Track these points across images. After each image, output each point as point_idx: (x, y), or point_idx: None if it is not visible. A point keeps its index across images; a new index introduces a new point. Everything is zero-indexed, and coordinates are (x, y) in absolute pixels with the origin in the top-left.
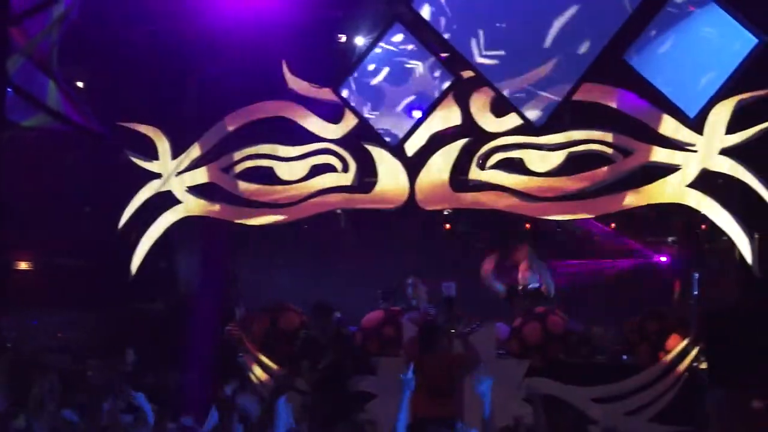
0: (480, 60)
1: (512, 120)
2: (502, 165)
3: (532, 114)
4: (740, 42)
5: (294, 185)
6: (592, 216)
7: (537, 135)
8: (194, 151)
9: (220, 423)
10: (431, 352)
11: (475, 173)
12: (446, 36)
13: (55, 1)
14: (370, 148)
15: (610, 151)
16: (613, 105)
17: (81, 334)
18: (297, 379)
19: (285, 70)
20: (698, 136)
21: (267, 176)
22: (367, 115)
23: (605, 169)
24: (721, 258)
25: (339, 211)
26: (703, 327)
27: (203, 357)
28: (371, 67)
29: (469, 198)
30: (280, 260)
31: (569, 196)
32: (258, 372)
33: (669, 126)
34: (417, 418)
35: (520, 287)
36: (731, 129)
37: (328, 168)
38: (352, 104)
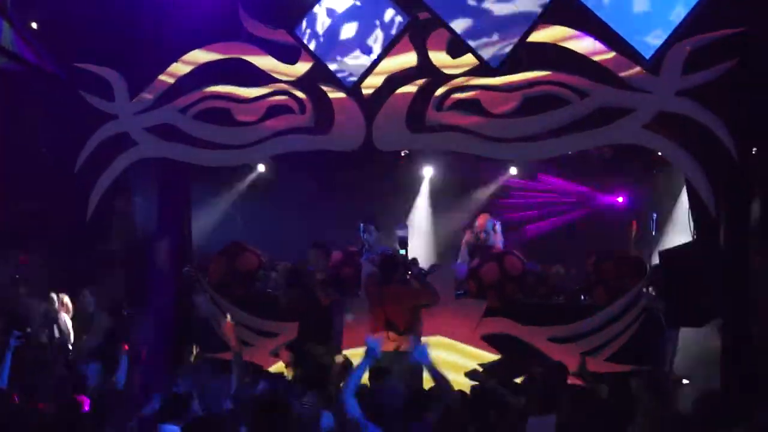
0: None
1: (469, 61)
2: (458, 106)
3: (489, 55)
4: None
5: (251, 127)
6: (549, 157)
7: (493, 76)
8: (151, 92)
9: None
10: (392, 281)
11: (432, 114)
12: None
13: None
14: (326, 89)
15: (566, 92)
16: (570, 47)
17: (39, 275)
18: None
19: (240, 11)
20: (654, 77)
21: (224, 117)
22: (322, 57)
23: (561, 110)
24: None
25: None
26: (659, 266)
27: (161, 299)
28: (326, 8)
29: (426, 139)
30: (237, 202)
31: (526, 137)
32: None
33: (626, 67)
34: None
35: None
36: (687, 70)
37: (285, 109)
38: (308, 45)
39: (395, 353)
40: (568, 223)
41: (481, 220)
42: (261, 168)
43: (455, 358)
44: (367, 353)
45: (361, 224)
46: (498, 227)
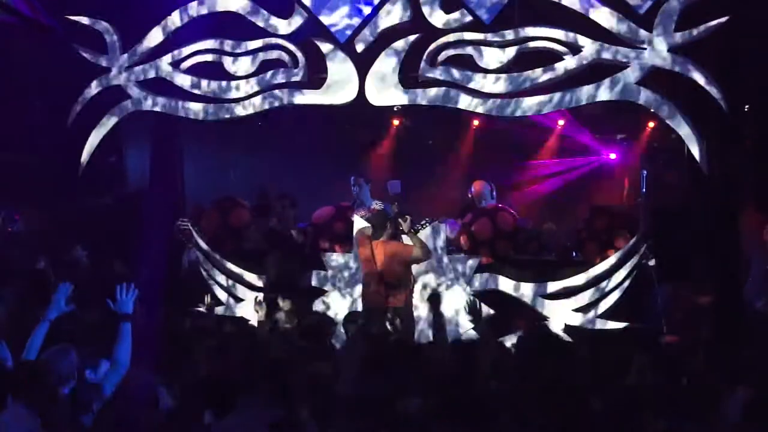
0: None
1: (462, 16)
2: (451, 61)
3: (482, 10)
4: None
5: (243, 81)
6: (541, 113)
7: (487, 31)
8: (143, 46)
9: None
10: (383, 237)
11: (424, 70)
12: None
13: None
14: (319, 43)
15: (559, 48)
16: (563, 1)
17: (31, 229)
18: None
19: None
20: (648, 33)
21: (217, 71)
22: (316, 11)
23: (554, 66)
24: (669, 155)
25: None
26: (651, 224)
27: (153, 253)
28: None
29: (419, 94)
30: (229, 156)
31: (518, 93)
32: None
33: (619, 22)
34: (367, 308)
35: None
36: (681, 26)
37: (278, 63)
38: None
39: (387, 309)
40: (564, 181)
41: (478, 187)
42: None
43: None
44: None
45: (353, 178)
46: (494, 193)
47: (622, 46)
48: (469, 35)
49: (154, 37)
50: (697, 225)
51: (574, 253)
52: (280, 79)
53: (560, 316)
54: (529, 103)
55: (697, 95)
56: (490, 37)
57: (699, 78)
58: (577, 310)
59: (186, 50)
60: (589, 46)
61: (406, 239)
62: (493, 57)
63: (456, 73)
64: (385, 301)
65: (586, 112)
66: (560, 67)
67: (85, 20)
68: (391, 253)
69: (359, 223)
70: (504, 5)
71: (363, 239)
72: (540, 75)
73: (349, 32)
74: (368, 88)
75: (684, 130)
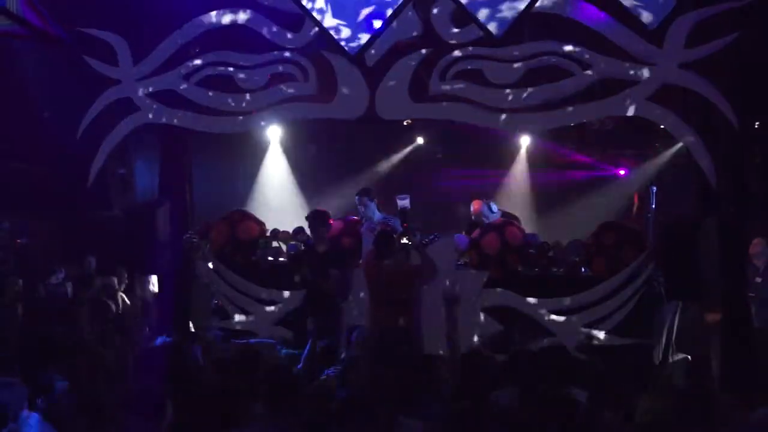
0: None
1: (472, 31)
2: (461, 76)
3: (492, 25)
4: None
5: (254, 93)
6: (551, 128)
7: (497, 46)
8: (154, 58)
9: None
10: (387, 259)
11: (434, 84)
12: None
13: None
14: (330, 57)
15: (569, 63)
16: (574, 17)
17: (40, 240)
18: None
19: None
20: (658, 49)
21: (227, 84)
22: (327, 24)
23: (564, 81)
24: (678, 171)
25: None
26: (660, 240)
27: (162, 265)
28: None
29: (429, 109)
30: (238, 169)
31: (528, 108)
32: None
33: (629, 39)
34: (376, 329)
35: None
36: (691, 43)
37: (288, 77)
38: (312, 12)
39: (396, 329)
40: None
41: (476, 206)
42: (264, 135)
43: None
44: None
45: (357, 197)
46: (494, 207)
47: (633, 62)
48: (479, 50)
49: (165, 49)
50: (706, 240)
51: (582, 269)
52: (291, 92)
53: (569, 331)
54: (539, 118)
55: (707, 111)
56: (500, 52)
57: (709, 94)
58: (585, 325)
59: (196, 62)
60: (599, 62)
61: (414, 255)
62: (503, 72)
63: (466, 88)
64: (391, 322)
65: (596, 128)
66: (570, 82)
67: (95, 32)
68: (397, 273)
69: (367, 243)
70: (514, 21)
71: (369, 260)
72: (550, 90)
73: (359, 45)
74: (378, 102)
75: (694, 146)
